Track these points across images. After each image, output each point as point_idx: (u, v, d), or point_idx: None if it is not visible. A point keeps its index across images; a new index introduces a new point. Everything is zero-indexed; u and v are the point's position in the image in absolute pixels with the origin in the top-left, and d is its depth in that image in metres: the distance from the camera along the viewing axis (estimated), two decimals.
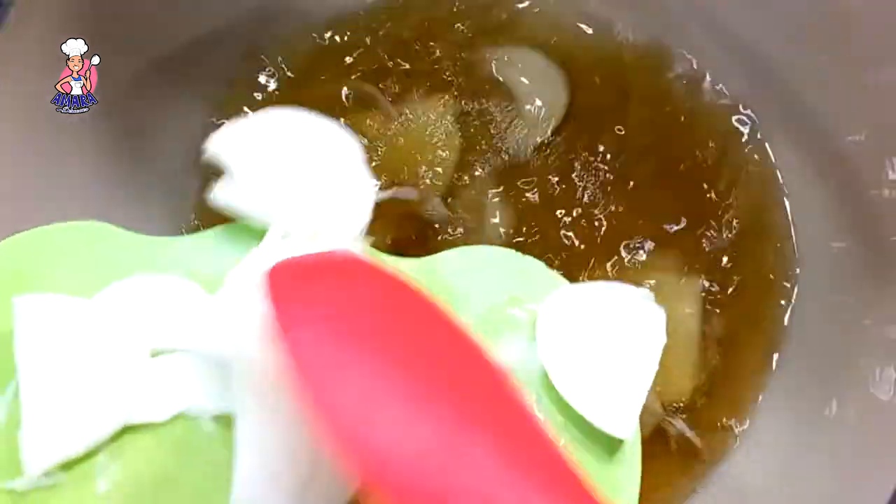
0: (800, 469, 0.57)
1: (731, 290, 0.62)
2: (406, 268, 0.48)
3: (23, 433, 0.41)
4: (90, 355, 0.42)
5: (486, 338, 0.46)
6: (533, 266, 0.49)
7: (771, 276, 0.63)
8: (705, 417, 0.61)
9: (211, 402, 0.44)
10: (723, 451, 0.61)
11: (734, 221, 0.63)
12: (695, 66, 0.66)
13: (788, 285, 0.63)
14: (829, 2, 0.55)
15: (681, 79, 0.66)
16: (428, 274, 0.48)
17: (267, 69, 0.69)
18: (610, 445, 0.45)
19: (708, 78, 0.66)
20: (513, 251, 0.50)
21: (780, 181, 0.64)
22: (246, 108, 0.69)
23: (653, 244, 0.62)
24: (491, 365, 0.38)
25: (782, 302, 0.63)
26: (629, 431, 0.44)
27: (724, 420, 0.62)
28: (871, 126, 0.55)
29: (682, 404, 0.61)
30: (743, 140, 0.65)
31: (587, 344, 0.45)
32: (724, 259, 0.63)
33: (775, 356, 0.62)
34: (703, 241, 0.63)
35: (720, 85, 0.66)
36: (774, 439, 0.60)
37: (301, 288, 0.37)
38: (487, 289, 0.48)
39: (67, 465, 0.42)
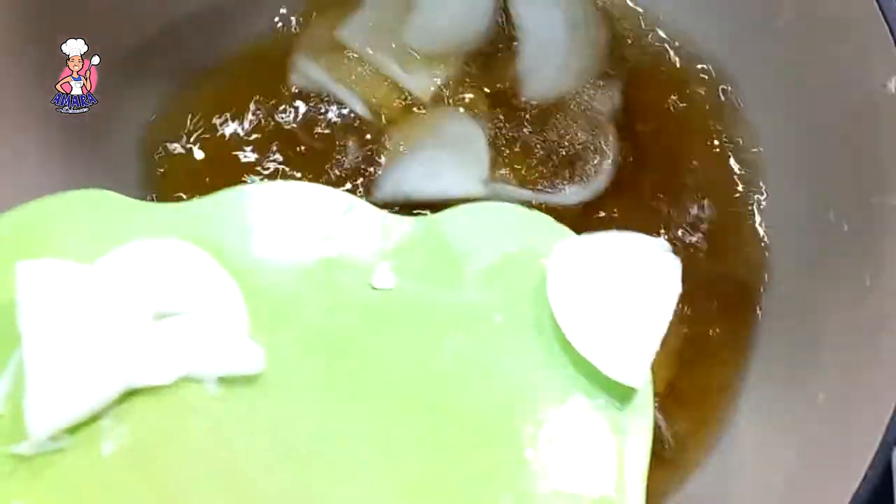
0: (772, 459, 0.56)
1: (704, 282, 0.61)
2: (410, 225, 0.48)
3: (26, 398, 0.40)
4: (92, 320, 0.42)
5: (496, 289, 0.46)
6: (541, 219, 0.49)
7: (743, 268, 0.63)
8: (680, 409, 0.60)
9: (214, 364, 0.44)
10: (697, 445, 0.60)
11: (706, 211, 0.64)
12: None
13: (760, 274, 0.63)
14: None
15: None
16: (433, 230, 0.48)
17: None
18: (623, 394, 0.44)
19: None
20: (519, 206, 0.49)
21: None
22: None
23: None
24: None
25: (755, 292, 0.63)
26: (640, 380, 0.43)
27: (699, 412, 0.61)
28: None
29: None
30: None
31: (599, 293, 0.45)
32: (698, 251, 0.63)
33: (749, 348, 0.62)
34: (678, 233, 0.63)
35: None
36: (750, 434, 0.59)
37: None
38: (496, 242, 0.48)
39: (72, 429, 0.42)
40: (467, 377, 0.45)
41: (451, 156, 0.64)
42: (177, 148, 0.68)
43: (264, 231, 0.48)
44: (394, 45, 0.67)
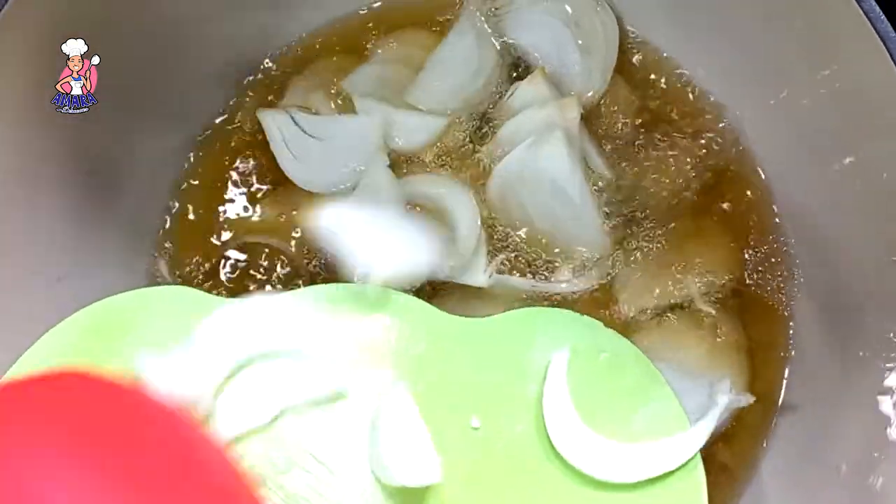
0: None
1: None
2: (470, 328, 0.52)
3: None
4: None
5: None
6: (592, 323, 0.53)
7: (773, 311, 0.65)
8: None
9: (304, 390, 0.46)
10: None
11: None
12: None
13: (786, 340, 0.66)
14: None
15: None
16: (499, 327, 0.52)
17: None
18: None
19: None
20: (569, 311, 0.54)
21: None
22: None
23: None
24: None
25: (782, 359, 0.65)
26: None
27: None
28: None
29: None
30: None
31: None
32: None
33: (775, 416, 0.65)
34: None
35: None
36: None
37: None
38: (559, 340, 0.51)
39: None
40: (530, 457, 0.48)
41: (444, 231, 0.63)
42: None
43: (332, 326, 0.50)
44: (398, 101, 0.67)
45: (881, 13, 0.50)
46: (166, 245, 0.68)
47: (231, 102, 0.71)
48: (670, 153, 0.67)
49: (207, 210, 0.68)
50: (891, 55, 0.50)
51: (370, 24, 0.71)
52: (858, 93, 0.55)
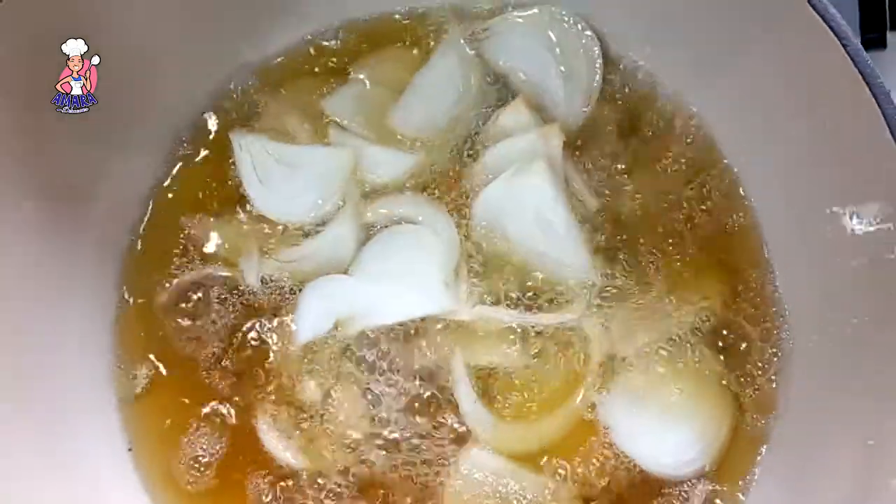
0: None
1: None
2: None
3: None
4: None
5: None
6: None
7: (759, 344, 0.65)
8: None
9: None
10: None
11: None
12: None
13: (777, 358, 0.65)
14: None
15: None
16: None
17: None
18: None
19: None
20: None
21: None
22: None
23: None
24: None
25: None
26: None
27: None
28: None
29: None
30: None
31: None
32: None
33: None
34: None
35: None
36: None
37: None
38: None
39: None
40: None
41: (423, 258, 0.63)
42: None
43: None
44: (378, 124, 0.66)
45: (867, 57, 0.51)
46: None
47: (204, 124, 0.70)
48: (659, 182, 0.67)
49: (171, 234, 0.67)
50: (875, 98, 0.50)
51: (350, 43, 0.71)
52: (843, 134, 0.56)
